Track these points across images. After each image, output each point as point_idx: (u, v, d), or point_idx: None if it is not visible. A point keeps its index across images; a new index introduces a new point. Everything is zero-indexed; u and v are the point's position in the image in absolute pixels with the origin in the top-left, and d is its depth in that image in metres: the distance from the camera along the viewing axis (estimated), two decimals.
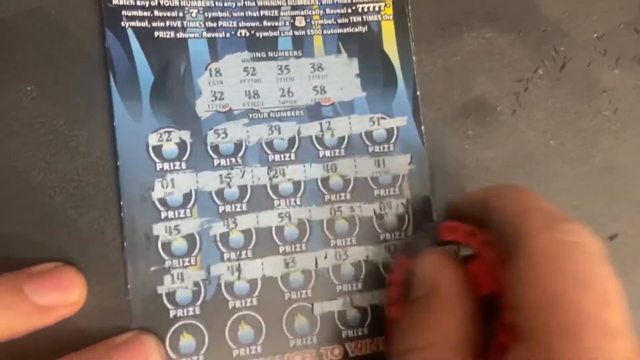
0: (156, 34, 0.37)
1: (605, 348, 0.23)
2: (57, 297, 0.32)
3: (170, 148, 0.36)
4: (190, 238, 0.35)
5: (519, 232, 0.27)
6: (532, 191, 0.31)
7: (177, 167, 0.36)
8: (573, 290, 0.25)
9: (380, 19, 0.40)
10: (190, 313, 0.35)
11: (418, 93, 0.40)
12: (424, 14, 0.41)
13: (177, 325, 0.34)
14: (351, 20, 0.40)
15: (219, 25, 0.38)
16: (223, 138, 0.37)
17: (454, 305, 0.30)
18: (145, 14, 0.36)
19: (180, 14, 0.37)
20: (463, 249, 0.35)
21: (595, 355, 0.23)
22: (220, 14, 0.38)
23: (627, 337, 0.25)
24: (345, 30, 0.40)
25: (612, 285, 0.26)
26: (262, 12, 0.38)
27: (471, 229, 0.33)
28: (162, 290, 0.35)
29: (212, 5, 0.38)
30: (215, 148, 0.36)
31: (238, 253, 0.36)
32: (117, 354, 0.32)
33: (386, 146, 0.39)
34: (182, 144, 0.36)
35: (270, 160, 0.37)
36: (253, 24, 0.38)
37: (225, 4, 0.38)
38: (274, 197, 0.37)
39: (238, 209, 0.36)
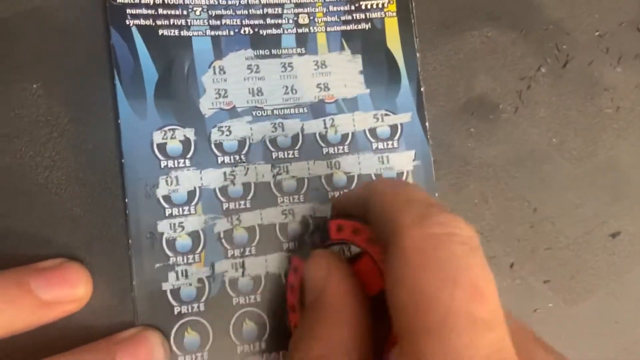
0: (160, 32, 0.36)
1: (475, 344, 0.22)
2: (62, 292, 0.31)
3: (174, 145, 0.35)
4: (194, 235, 0.35)
5: (393, 227, 0.26)
6: (408, 183, 0.30)
7: (181, 165, 0.35)
8: (441, 286, 0.23)
9: (383, 16, 0.39)
10: (195, 310, 0.34)
11: (422, 89, 0.39)
12: (426, 12, 0.40)
13: (181, 321, 0.34)
14: (355, 18, 0.39)
15: (223, 23, 0.37)
16: (227, 135, 0.36)
17: (342, 309, 0.29)
18: (149, 12, 0.36)
19: (184, 12, 0.36)
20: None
21: (464, 353, 0.22)
22: (223, 12, 0.37)
23: (499, 328, 0.23)
24: (348, 28, 0.39)
25: (484, 276, 0.24)
26: (265, 10, 0.38)
27: (355, 227, 0.31)
28: (166, 287, 0.34)
29: (216, 3, 0.37)
30: (219, 145, 0.36)
31: (242, 250, 0.35)
32: (121, 349, 0.31)
33: (390, 143, 0.38)
34: (186, 142, 0.35)
35: (273, 157, 0.37)
36: (256, 22, 0.38)
37: (229, 2, 0.37)
38: (277, 194, 0.36)
39: (242, 206, 0.36)
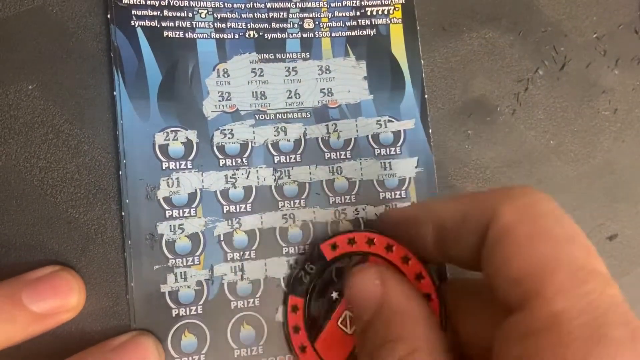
0: (165, 33, 0.31)
1: (604, 296, 0.20)
2: (55, 303, 0.27)
3: (176, 147, 0.30)
4: (194, 237, 0.30)
5: (484, 214, 0.23)
6: None
7: (182, 167, 0.30)
8: (559, 248, 0.21)
9: (389, 22, 0.34)
10: (193, 312, 0.29)
11: (426, 96, 0.34)
12: (425, 14, 0.35)
13: (179, 324, 0.29)
14: (360, 23, 0.34)
15: (228, 26, 0.32)
16: (229, 138, 0.31)
17: (411, 308, 0.25)
18: (155, 13, 0.31)
19: (190, 15, 0.31)
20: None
21: (597, 305, 0.19)
22: (229, 15, 0.32)
23: (614, 282, 0.21)
24: (353, 33, 0.34)
25: (581, 230, 0.22)
26: (270, 14, 0.33)
27: (351, 237, 0.29)
28: (165, 289, 0.29)
29: (222, 6, 0.32)
30: (221, 148, 0.31)
31: (241, 253, 0.30)
32: (115, 356, 0.27)
33: (393, 149, 0.33)
34: (188, 144, 0.30)
35: (275, 161, 0.31)
36: (261, 26, 0.32)
37: (235, 5, 0.32)
38: (278, 198, 0.31)
39: (242, 210, 0.31)
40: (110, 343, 0.27)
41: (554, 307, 0.20)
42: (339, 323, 0.29)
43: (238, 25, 0.32)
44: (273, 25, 0.32)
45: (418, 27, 0.34)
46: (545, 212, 0.22)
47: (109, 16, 0.30)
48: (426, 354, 0.23)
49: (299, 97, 0.32)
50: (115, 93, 0.30)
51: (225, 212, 0.30)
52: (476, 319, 0.26)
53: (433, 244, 0.26)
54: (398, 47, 0.34)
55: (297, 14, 0.33)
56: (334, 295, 0.29)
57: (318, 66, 0.33)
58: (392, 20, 0.34)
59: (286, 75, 0.32)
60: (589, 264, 0.21)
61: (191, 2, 0.31)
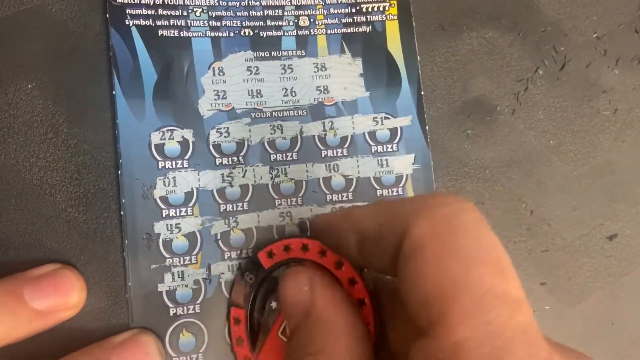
0: (160, 32, 0.31)
1: (511, 322, 0.18)
2: (57, 301, 0.27)
3: (172, 146, 0.30)
4: (191, 236, 0.30)
5: (399, 226, 0.21)
6: None
7: (179, 166, 0.30)
8: (467, 269, 0.19)
9: (384, 18, 0.34)
10: (190, 311, 0.29)
11: (422, 93, 0.34)
12: (424, 14, 0.35)
13: (177, 323, 0.29)
14: (355, 20, 0.34)
15: (223, 24, 0.32)
16: (225, 137, 0.31)
17: (336, 320, 0.24)
18: (149, 12, 0.31)
19: (184, 13, 0.31)
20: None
21: (502, 331, 0.18)
22: (224, 13, 0.32)
23: (526, 305, 0.19)
24: (349, 30, 0.33)
25: (500, 249, 0.20)
26: (266, 12, 0.32)
27: (286, 244, 0.29)
28: (162, 288, 0.29)
29: (216, 4, 0.32)
30: (218, 147, 0.31)
31: (239, 252, 0.30)
32: (116, 353, 0.27)
33: (390, 146, 0.33)
34: (184, 143, 0.30)
35: (272, 159, 0.31)
36: (257, 24, 0.32)
37: (230, 3, 0.32)
38: (275, 196, 0.31)
39: (239, 208, 0.30)
40: (111, 341, 0.27)
41: (457, 336, 0.18)
42: (279, 333, 0.28)
43: (233, 23, 0.32)
44: (268, 22, 0.32)
45: (414, 24, 0.34)
46: (460, 226, 0.21)
47: (107, 15, 0.30)
48: None
49: (295, 95, 0.32)
50: (113, 92, 0.30)
51: (222, 210, 0.30)
52: (406, 328, 0.24)
53: (357, 253, 0.25)
54: (394, 44, 0.34)
55: (293, 11, 0.33)
56: (273, 304, 0.29)
57: (314, 63, 0.33)
58: (387, 16, 0.34)
59: (282, 73, 0.32)
60: (498, 286, 0.19)
61: (186, 0, 0.31)
